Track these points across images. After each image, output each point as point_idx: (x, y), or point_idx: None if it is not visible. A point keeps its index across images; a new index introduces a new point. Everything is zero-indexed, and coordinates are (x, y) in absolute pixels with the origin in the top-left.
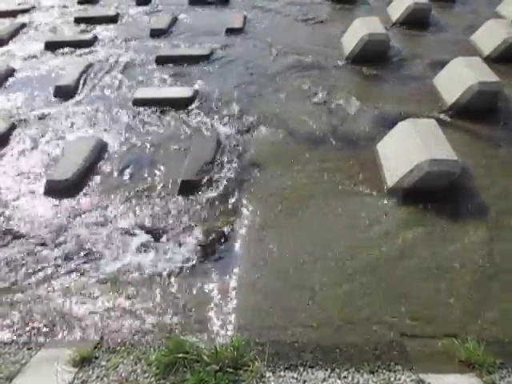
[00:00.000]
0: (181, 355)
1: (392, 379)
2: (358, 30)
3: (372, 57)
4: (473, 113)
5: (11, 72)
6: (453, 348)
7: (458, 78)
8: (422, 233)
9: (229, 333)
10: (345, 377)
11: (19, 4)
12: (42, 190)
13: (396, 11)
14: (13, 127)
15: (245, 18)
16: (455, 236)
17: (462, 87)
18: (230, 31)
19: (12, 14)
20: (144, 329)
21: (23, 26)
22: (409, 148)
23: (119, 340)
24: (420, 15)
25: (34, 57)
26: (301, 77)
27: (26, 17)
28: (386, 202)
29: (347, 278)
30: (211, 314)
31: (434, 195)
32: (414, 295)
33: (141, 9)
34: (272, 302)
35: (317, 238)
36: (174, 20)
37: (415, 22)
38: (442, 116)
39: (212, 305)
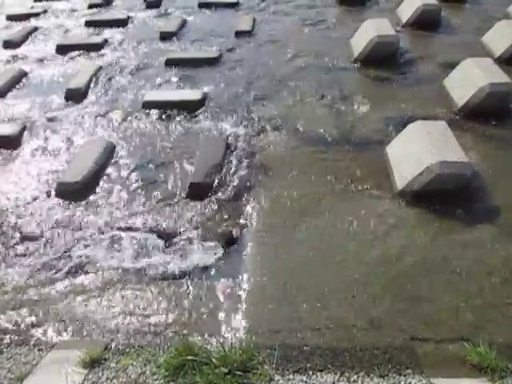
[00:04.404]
0: (190, 357)
1: (402, 383)
2: (368, 31)
3: (381, 58)
4: (484, 114)
5: (23, 75)
6: (464, 352)
7: (469, 80)
8: (433, 235)
9: (238, 335)
10: (354, 381)
11: (32, 8)
12: (52, 191)
13: (405, 12)
14: (24, 130)
15: (254, 20)
16: (466, 239)
17: (473, 88)
18: (239, 34)
19: (24, 17)
20: (153, 330)
21: (35, 29)
22: (419, 150)
23: (128, 342)
24: (430, 16)
25: (46, 60)
26: (309, 79)
27: (38, 20)
28: (395, 204)
29: (356, 281)
30: (220, 316)
31: (445, 198)
32: (424, 298)
33: (150, 12)
34: (281, 305)
35: (326, 241)
36: (184, 23)
37: (425, 23)
38: (452, 118)
39: (221, 307)
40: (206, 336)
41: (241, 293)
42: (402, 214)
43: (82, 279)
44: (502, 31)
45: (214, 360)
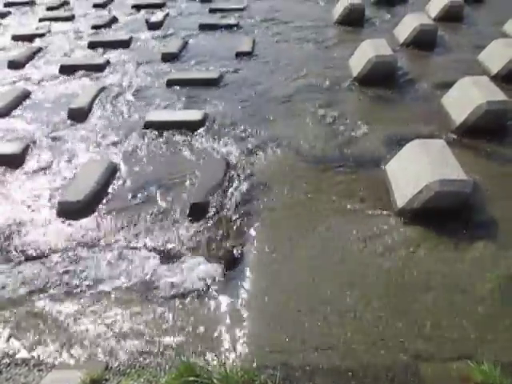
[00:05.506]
0: (191, 378)
1: None
2: (366, 51)
3: (380, 78)
4: (482, 132)
5: (27, 94)
6: (468, 370)
7: (466, 98)
8: (433, 253)
9: (239, 355)
10: None
11: (36, 28)
12: (54, 211)
13: (403, 33)
14: (27, 148)
15: (254, 41)
16: (467, 256)
17: (470, 107)
18: (240, 55)
19: (29, 38)
20: (154, 351)
21: (39, 49)
22: (418, 168)
23: (129, 362)
24: (426, 36)
25: (49, 80)
26: (309, 99)
27: (42, 41)
28: (395, 222)
29: (358, 300)
30: (221, 337)
31: (445, 215)
32: (426, 317)
33: (152, 33)
34: (282, 325)
35: (326, 260)
36: (185, 44)
37: (422, 43)
38: (450, 136)
39: (222, 328)
40: (207, 356)
41: (242, 312)
42: (403, 232)
43: (81, 298)
44: (498, 49)
45: (215, 381)
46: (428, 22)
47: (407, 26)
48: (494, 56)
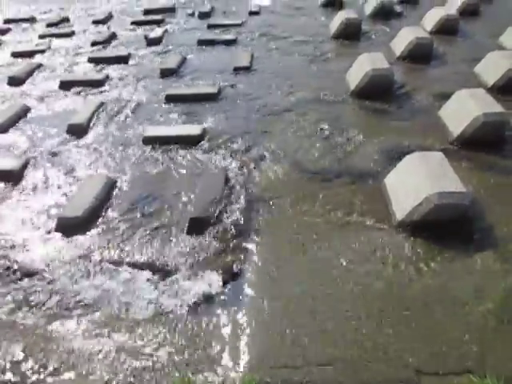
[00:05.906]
0: None
1: None
2: (363, 65)
3: (377, 91)
4: (480, 144)
5: (26, 110)
6: None
7: (463, 110)
8: (433, 265)
9: (239, 372)
10: None
11: (36, 45)
12: (53, 226)
13: (399, 46)
14: (26, 164)
15: (252, 56)
16: (467, 269)
17: (468, 119)
18: (238, 69)
19: (29, 54)
20: (151, 367)
21: (39, 66)
22: (417, 181)
23: (127, 379)
24: (422, 49)
25: (49, 96)
26: (307, 112)
27: (42, 57)
28: (395, 235)
29: (359, 314)
30: (221, 353)
31: (444, 227)
32: (427, 330)
33: (151, 49)
34: (283, 340)
35: (327, 274)
36: (184, 60)
37: (418, 56)
38: (448, 147)
39: (222, 344)
40: (206, 373)
41: (242, 327)
42: (402, 245)
43: (79, 316)
44: (494, 61)
45: None
46: (424, 35)
47: (403, 39)
48: (490, 68)
